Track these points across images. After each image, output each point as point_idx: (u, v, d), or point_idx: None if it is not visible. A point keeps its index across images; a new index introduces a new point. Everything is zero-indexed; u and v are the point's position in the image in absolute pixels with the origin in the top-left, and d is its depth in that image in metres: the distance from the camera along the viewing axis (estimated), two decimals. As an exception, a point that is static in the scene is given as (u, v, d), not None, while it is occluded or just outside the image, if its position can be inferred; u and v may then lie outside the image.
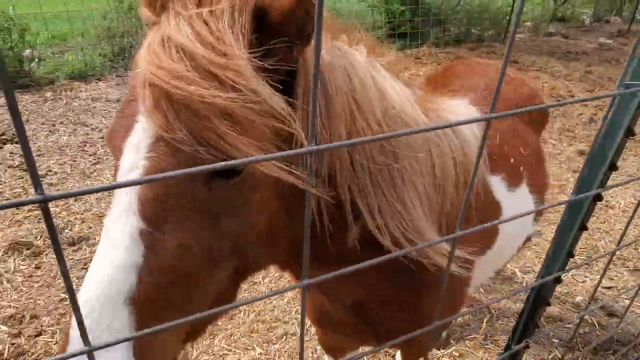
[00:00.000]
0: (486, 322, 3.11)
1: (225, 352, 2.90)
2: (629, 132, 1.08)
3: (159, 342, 0.86)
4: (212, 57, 0.79)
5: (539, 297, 1.36)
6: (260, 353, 2.89)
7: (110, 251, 0.81)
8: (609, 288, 3.37)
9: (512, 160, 1.85)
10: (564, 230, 1.25)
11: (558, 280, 1.32)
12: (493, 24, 11.65)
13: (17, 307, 3.17)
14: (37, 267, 3.56)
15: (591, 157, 1.15)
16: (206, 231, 0.87)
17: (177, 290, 0.86)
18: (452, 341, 2.95)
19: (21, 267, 3.54)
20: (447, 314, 1.67)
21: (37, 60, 8.03)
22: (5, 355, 2.83)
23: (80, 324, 0.59)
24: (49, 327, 3.03)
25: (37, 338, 2.95)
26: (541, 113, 2.36)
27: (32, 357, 2.82)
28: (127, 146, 0.86)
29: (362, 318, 1.51)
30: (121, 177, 0.85)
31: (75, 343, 0.79)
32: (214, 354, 2.88)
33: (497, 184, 1.70)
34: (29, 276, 3.47)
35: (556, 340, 2.92)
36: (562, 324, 3.04)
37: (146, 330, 0.62)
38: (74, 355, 0.59)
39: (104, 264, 0.81)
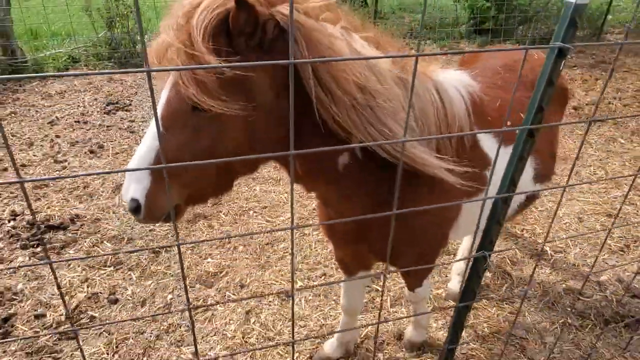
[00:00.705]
0: (505, 288, 3.39)
1: (273, 282, 3.50)
2: (550, 82, 1.43)
3: (163, 191, 1.48)
4: (185, 43, 1.37)
5: (492, 216, 1.73)
6: (300, 286, 3.45)
7: (146, 138, 1.48)
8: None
9: (508, 123, 2.19)
10: (509, 161, 1.62)
11: (505, 202, 1.68)
12: (589, 22, 11.08)
13: (118, 232, 4.03)
14: (135, 205, 4.43)
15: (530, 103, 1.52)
16: (191, 141, 1.47)
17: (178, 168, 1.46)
18: (470, 298, 3.28)
19: (123, 203, 4.42)
20: (435, 230, 2.07)
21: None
22: (108, 263, 3.67)
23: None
24: (141, 247, 3.83)
25: (132, 254, 3.76)
26: (559, 92, 2.62)
27: (127, 267, 3.62)
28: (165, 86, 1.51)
29: (361, 230, 1.98)
30: (161, 98, 1.50)
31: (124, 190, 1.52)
32: (264, 282, 3.49)
33: (485, 138, 2.06)
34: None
35: (569, 309, 3.14)
36: (580, 297, 3.23)
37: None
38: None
39: (143, 145, 1.48)
